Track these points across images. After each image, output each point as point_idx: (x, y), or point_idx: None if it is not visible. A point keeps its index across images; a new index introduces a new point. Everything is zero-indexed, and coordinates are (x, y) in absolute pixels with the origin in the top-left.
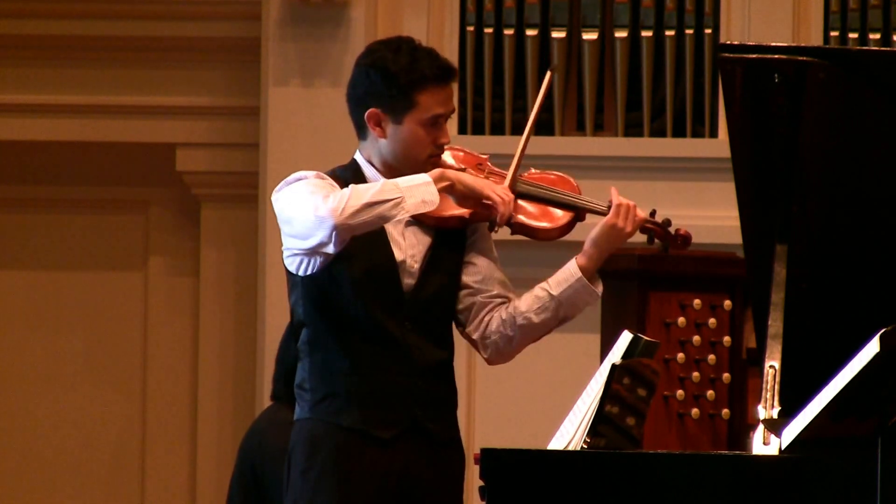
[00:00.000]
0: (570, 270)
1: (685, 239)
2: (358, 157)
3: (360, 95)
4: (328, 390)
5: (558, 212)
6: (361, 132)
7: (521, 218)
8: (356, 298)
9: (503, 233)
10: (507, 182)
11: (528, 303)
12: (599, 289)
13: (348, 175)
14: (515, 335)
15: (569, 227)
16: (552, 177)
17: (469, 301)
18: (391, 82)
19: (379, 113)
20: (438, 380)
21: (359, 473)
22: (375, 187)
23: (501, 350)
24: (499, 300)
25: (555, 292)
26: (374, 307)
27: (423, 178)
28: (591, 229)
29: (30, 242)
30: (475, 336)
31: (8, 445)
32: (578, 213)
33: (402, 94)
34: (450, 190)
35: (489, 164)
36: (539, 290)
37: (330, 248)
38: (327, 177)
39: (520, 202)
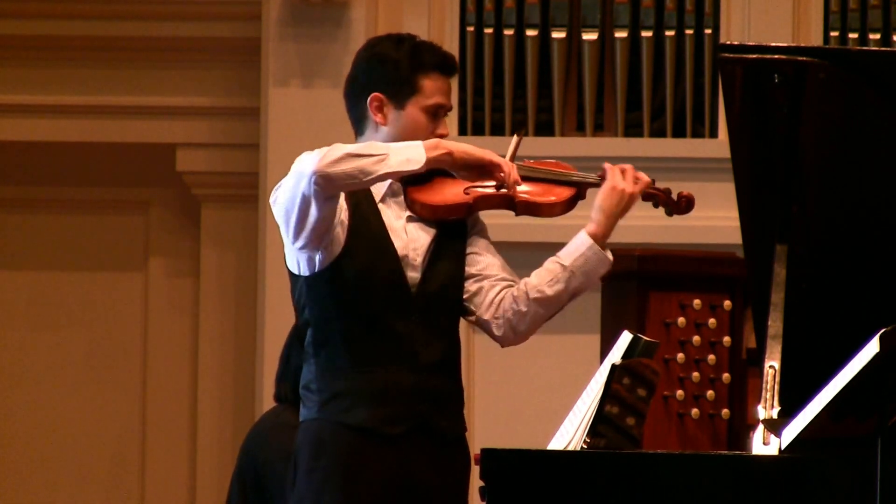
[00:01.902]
0: (581, 239)
1: (689, 201)
2: None
3: (363, 83)
4: (335, 390)
5: (559, 188)
6: (360, 126)
7: (525, 196)
8: (361, 295)
9: (503, 234)
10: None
11: (539, 276)
12: (610, 256)
13: None
14: (529, 310)
15: (571, 201)
16: (546, 160)
17: (476, 286)
18: (395, 66)
19: (382, 98)
20: (445, 376)
21: (364, 474)
22: (362, 144)
23: (515, 326)
24: (506, 283)
25: (566, 263)
26: (379, 302)
27: (415, 143)
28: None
29: (30, 243)
30: (487, 316)
31: (8, 445)
32: (578, 188)
33: (406, 78)
34: (449, 159)
35: None
36: (550, 264)
37: (314, 208)
38: None
39: (521, 182)
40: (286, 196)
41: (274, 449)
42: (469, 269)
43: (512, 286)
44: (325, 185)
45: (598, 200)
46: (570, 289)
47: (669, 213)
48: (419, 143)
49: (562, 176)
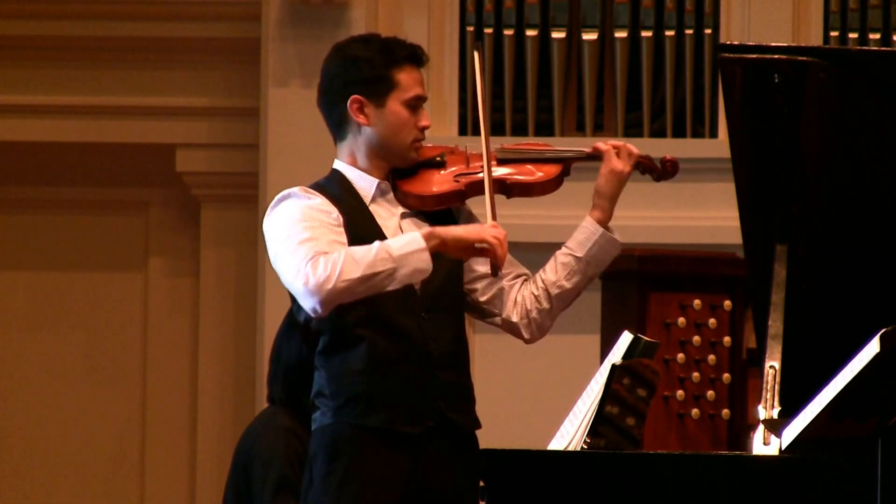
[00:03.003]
0: (590, 229)
1: (674, 164)
2: (338, 164)
3: (339, 87)
4: (350, 393)
5: (547, 166)
6: (341, 131)
7: (516, 177)
8: (368, 298)
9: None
10: (487, 206)
11: (555, 271)
12: (619, 238)
13: (334, 187)
14: (553, 305)
15: (560, 178)
16: (528, 142)
17: (495, 289)
18: (370, 65)
19: (361, 99)
20: (456, 371)
21: (381, 476)
22: (368, 255)
23: (541, 324)
24: (520, 279)
25: (580, 254)
26: (387, 303)
27: (417, 244)
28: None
29: (30, 243)
30: (514, 318)
31: (8, 445)
32: (565, 164)
33: (382, 76)
34: (442, 247)
35: (460, 148)
36: (563, 257)
37: (319, 314)
38: (315, 194)
39: (509, 165)
40: (287, 282)
41: (263, 451)
42: (481, 269)
43: (526, 280)
44: (333, 305)
45: (600, 185)
46: (587, 278)
47: (657, 178)
48: (420, 241)
49: (548, 154)
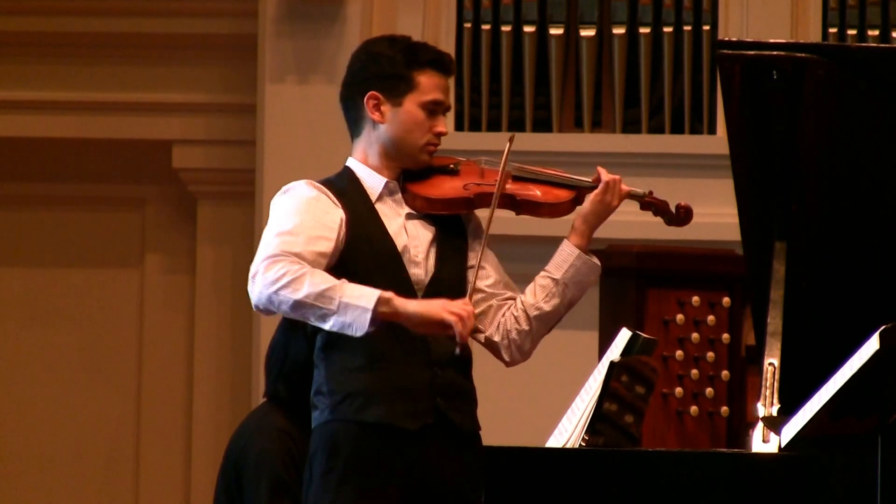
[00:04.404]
0: (567, 251)
1: (687, 211)
2: (351, 162)
3: (359, 83)
4: (349, 389)
5: (559, 190)
6: (357, 127)
7: (527, 196)
8: None
9: (500, 228)
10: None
11: (534, 294)
12: (598, 261)
13: (342, 182)
14: (532, 328)
15: (572, 204)
16: (544, 168)
17: (485, 305)
18: (392, 62)
19: (379, 95)
20: (456, 370)
21: (381, 473)
22: (321, 286)
23: (521, 346)
24: (509, 301)
25: (557, 276)
26: None
27: (366, 302)
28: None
29: (26, 239)
30: (496, 338)
31: (1, 443)
32: (578, 191)
33: (403, 75)
34: (394, 317)
35: (474, 163)
36: (541, 279)
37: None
38: (319, 189)
39: (523, 183)
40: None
41: (254, 451)
42: (478, 284)
43: (513, 301)
44: (263, 307)
45: (585, 211)
46: (566, 301)
47: (668, 222)
48: (372, 301)
49: (561, 179)
